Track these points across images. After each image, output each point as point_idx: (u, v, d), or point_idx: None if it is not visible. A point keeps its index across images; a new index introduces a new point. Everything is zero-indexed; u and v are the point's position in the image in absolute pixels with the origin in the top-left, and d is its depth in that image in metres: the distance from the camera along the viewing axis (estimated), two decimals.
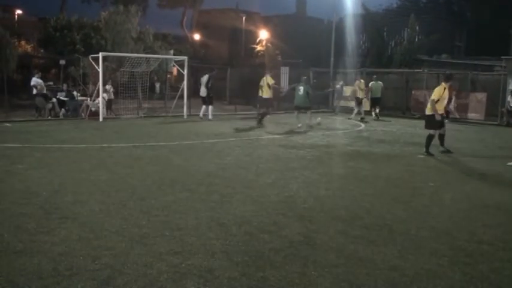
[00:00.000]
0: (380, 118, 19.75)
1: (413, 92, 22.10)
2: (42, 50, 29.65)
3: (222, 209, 5.67)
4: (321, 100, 23.21)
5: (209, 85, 17.28)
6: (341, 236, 4.83)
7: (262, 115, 16.18)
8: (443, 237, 4.90)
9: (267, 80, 16.33)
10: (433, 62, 26.83)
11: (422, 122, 11.00)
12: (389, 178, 7.90)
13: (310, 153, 10.34)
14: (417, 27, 28.42)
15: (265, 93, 16.32)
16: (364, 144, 12.03)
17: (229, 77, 24.99)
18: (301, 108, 15.48)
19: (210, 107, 17.54)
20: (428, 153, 10.30)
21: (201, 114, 17.63)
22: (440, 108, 10.34)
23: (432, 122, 10.33)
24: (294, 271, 3.94)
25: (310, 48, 32.39)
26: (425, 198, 6.62)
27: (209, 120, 17.23)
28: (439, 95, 10.22)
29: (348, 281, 3.78)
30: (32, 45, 31.89)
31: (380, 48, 28.97)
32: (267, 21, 40.02)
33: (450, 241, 4.80)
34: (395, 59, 27.15)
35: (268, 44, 32.04)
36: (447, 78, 10.75)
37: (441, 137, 10.66)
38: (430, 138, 10.48)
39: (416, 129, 14.56)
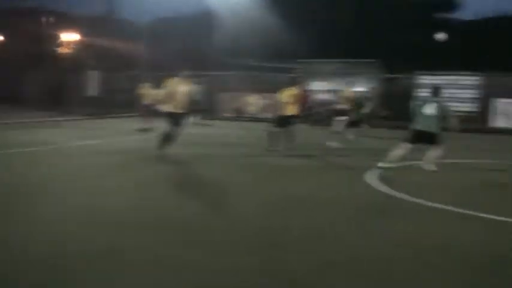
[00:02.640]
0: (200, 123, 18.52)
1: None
2: None
3: None
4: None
5: None
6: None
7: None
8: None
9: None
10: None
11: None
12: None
13: (115, 159, 9.65)
14: None
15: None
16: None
17: (31, 80, 22.86)
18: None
19: None
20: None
21: None
22: None
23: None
24: None
25: (123, 51, 31.37)
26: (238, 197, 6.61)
27: None
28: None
29: None
30: None
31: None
32: (76, 22, 37.52)
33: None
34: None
35: (74, 46, 30.36)
36: None
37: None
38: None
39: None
